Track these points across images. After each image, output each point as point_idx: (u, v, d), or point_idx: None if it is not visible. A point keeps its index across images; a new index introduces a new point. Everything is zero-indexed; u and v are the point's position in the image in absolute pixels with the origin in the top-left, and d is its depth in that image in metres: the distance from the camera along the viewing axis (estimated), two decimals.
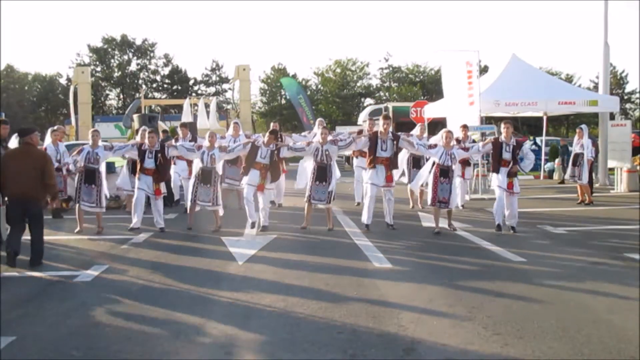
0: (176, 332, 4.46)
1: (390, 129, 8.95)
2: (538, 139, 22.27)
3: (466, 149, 9.24)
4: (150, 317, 4.86)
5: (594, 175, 13.38)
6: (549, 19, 77.07)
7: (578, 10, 71.41)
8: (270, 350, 4.12)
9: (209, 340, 4.34)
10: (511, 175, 8.70)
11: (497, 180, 8.85)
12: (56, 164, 9.55)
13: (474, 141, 10.99)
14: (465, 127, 11.40)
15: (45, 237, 8.12)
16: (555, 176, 18.46)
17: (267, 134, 9.09)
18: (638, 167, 15.08)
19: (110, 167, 11.76)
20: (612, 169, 15.71)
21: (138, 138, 10.01)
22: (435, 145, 8.91)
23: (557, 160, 18.45)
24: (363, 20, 76.61)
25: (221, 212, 9.04)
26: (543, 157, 19.54)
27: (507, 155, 8.69)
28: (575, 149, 12.21)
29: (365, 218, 8.95)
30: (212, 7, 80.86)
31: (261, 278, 6.14)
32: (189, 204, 9.05)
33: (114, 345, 4.23)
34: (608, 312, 4.89)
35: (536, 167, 19.38)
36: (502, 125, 8.94)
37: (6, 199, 6.79)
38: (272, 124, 11.00)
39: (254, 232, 8.72)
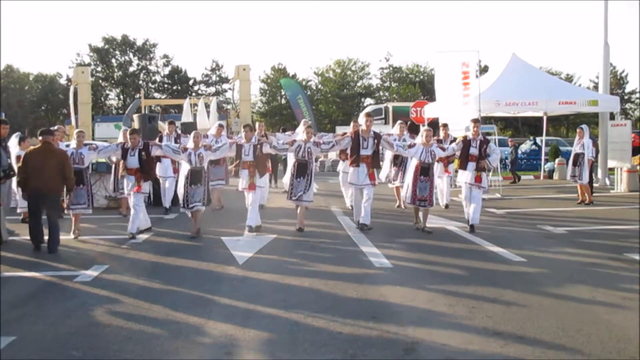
0: (176, 332, 4.46)
1: (372, 128, 8.99)
2: (538, 139, 22.27)
3: (443, 149, 9.34)
4: (150, 317, 4.86)
5: (593, 175, 13.37)
6: (549, 19, 77.15)
7: (578, 10, 71.54)
8: (270, 350, 4.13)
9: (209, 340, 4.34)
10: (480, 169, 8.92)
11: (464, 177, 9.06)
12: None
13: (454, 139, 11.02)
14: (445, 127, 11.59)
15: (46, 237, 8.17)
16: (556, 176, 18.44)
17: (242, 129, 9.06)
18: (638, 167, 15.08)
19: (110, 167, 11.76)
20: (612, 169, 15.71)
21: (120, 139, 9.93)
22: (414, 145, 8.97)
23: (508, 161, 18.03)
24: (363, 20, 76.68)
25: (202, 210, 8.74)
26: (543, 157, 19.54)
27: (474, 151, 8.95)
28: (575, 149, 12.21)
29: (355, 217, 9.13)
30: (212, 7, 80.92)
31: (261, 278, 6.14)
32: (182, 208, 8.69)
33: (114, 345, 4.23)
34: (608, 312, 4.89)
35: (535, 167, 19.47)
36: (472, 124, 9.17)
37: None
38: (257, 124, 10.91)
39: (254, 232, 8.69)
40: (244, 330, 4.49)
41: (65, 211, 8.83)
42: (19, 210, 9.95)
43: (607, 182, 15.92)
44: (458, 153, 9.23)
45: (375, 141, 8.83)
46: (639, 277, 5.98)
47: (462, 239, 8.34)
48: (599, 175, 15.97)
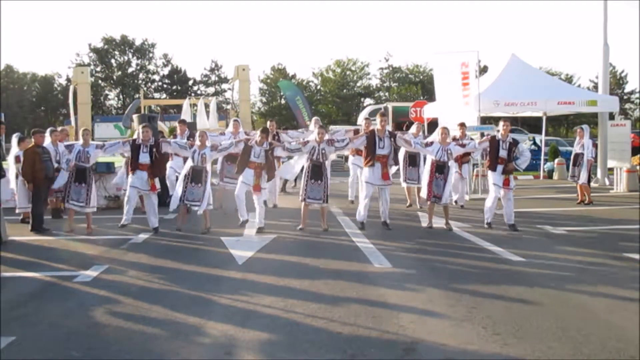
0: (176, 332, 4.46)
1: (388, 127, 9.01)
2: (537, 139, 22.27)
3: (463, 146, 9.38)
4: (150, 317, 4.86)
5: (592, 175, 13.36)
6: (549, 19, 77.14)
7: (578, 10, 71.51)
8: (270, 350, 4.12)
9: (209, 340, 4.34)
10: (507, 172, 8.82)
11: (492, 178, 8.97)
12: (55, 164, 9.58)
13: (471, 139, 11.05)
14: (462, 125, 11.57)
15: (45, 238, 8.24)
16: (556, 176, 18.44)
17: (259, 132, 9.10)
18: (638, 167, 15.08)
19: (110, 167, 11.79)
20: (611, 169, 15.71)
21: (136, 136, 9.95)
22: (432, 143, 9.04)
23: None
24: (363, 20, 76.66)
25: (200, 212, 8.77)
26: (543, 157, 19.54)
27: (503, 153, 8.83)
28: (575, 149, 12.23)
29: (360, 216, 9.04)
30: (212, 7, 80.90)
31: (261, 278, 6.14)
32: (177, 202, 8.78)
33: (114, 345, 4.23)
34: (608, 312, 4.90)
35: (535, 167, 19.47)
36: (502, 123, 9.01)
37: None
38: (268, 123, 10.94)
39: (253, 232, 8.71)
40: (244, 330, 4.49)
41: (65, 205, 8.96)
42: (17, 211, 9.94)
43: (607, 182, 15.92)
44: (480, 151, 9.13)
45: (392, 140, 8.86)
46: (639, 277, 5.99)
47: (462, 238, 8.34)
48: (599, 175, 15.99)
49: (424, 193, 9.28)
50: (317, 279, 6.03)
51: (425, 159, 10.20)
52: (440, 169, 8.85)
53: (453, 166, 10.08)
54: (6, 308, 5.09)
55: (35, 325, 4.67)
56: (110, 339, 4.35)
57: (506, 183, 8.85)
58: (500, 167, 8.84)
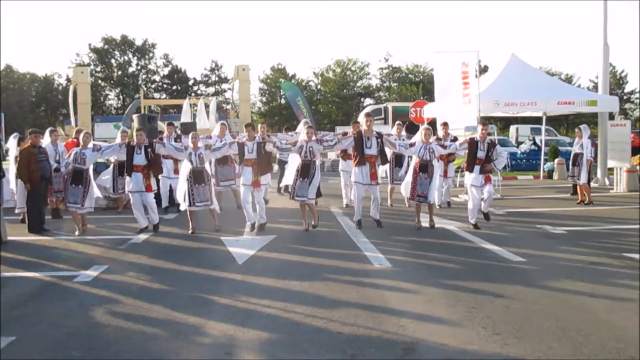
0: (176, 332, 4.47)
1: (374, 127, 9.13)
2: (537, 139, 22.28)
3: (444, 147, 9.49)
4: (150, 317, 4.86)
5: (592, 175, 13.36)
6: (549, 19, 77.04)
7: (578, 10, 71.44)
8: (270, 350, 4.13)
9: (209, 340, 4.34)
10: (485, 172, 9.00)
11: (471, 179, 9.08)
12: (54, 164, 9.59)
13: (455, 138, 11.11)
14: (445, 125, 11.69)
15: (45, 238, 8.24)
16: (556, 176, 18.43)
17: (244, 129, 9.22)
18: (638, 167, 15.08)
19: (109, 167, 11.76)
20: (611, 169, 15.71)
21: (118, 139, 9.98)
22: (415, 143, 9.20)
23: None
24: (363, 20, 76.60)
25: (218, 210, 9.11)
26: (542, 157, 19.54)
27: (481, 154, 8.97)
28: (575, 149, 12.24)
29: (355, 216, 9.20)
30: (212, 7, 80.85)
31: (261, 278, 6.14)
32: (186, 207, 8.82)
33: (114, 345, 4.23)
34: (607, 312, 4.90)
35: (535, 167, 19.47)
36: (480, 126, 9.23)
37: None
38: (259, 126, 10.97)
39: (253, 232, 8.73)
40: (244, 330, 4.49)
41: (63, 207, 9.00)
42: (17, 211, 9.95)
43: (607, 182, 15.92)
44: (462, 153, 9.26)
45: (379, 140, 8.98)
46: (639, 276, 5.99)
47: (462, 238, 8.34)
48: (599, 175, 15.99)
49: (406, 192, 9.38)
50: (316, 279, 6.03)
51: (410, 159, 10.27)
52: (424, 167, 8.96)
53: (439, 166, 10.28)
54: (6, 308, 5.10)
55: (35, 325, 4.67)
56: (110, 339, 4.35)
57: (487, 180, 9.06)
58: (477, 168, 8.98)
